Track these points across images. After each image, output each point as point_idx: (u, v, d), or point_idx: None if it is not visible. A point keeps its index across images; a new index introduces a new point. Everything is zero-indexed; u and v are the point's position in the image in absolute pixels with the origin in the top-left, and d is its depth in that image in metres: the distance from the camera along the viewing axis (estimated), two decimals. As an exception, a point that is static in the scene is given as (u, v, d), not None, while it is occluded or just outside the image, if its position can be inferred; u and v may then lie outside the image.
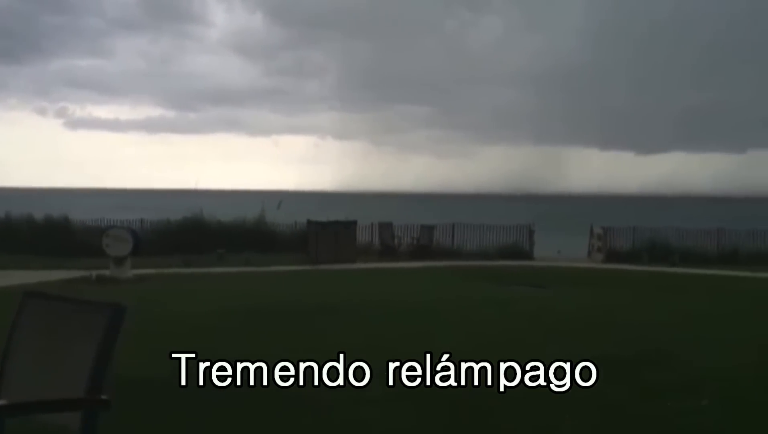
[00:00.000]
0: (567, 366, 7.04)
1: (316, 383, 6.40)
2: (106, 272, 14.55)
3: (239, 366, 7.05)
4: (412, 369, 6.98)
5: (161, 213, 23.90)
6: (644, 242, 21.82)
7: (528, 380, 6.60)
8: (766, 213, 53.77)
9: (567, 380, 6.60)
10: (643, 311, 11.02)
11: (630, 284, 15.33)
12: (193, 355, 7.53)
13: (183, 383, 6.30)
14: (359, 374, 6.78)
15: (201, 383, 6.35)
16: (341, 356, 7.56)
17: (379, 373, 6.77)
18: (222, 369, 6.90)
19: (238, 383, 6.32)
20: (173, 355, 7.43)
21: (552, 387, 6.35)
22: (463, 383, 6.43)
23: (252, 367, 7.01)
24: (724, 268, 18.68)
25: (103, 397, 2.42)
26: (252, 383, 6.35)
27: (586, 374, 6.82)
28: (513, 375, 6.80)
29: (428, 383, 6.44)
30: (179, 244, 20.05)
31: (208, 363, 7.13)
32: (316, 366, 7.10)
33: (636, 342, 8.37)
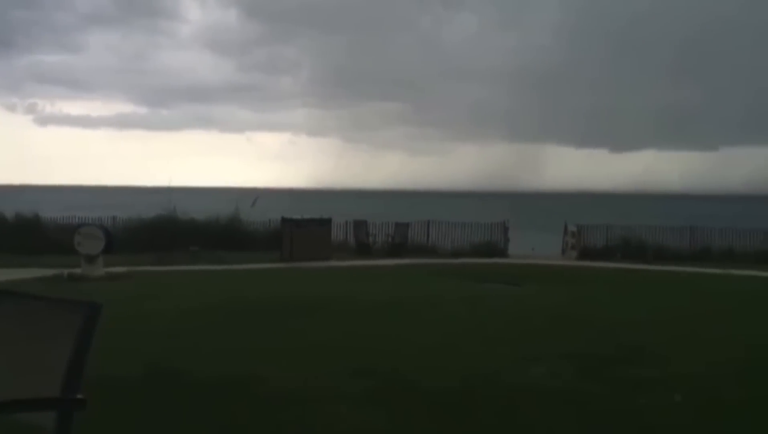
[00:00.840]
0: (541, 363, 7.11)
1: (290, 380, 6.39)
2: (78, 271, 14.35)
3: (214, 363, 7.02)
4: (387, 366, 7.00)
5: (134, 211, 23.61)
6: (618, 239, 22.07)
7: (503, 377, 6.66)
8: (738, 211, 54.76)
9: (542, 377, 6.66)
10: (616, 309, 11.15)
11: (604, 281, 15.49)
12: (167, 353, 7.49)
13: (157, 381, 6.26)
14: (334, 371, 6.78)
15: (175, 381, 6.31)
16: (316, 353, 7.56)
17: (354, 371, 6.77)
18: (196, 367, 6.85)
19: (213, 381, 6.29)
20: (148, 356, 7.38)
21: (527, 384, 6.41)
22: (438, 381, 6.46)
23: (227, 365, 6.98)
24: (697, 265, 18.94)
25: (79, 396, 2.38)
26: (227, 381, 6.32)
27: (560, 371, 6.90)
28: (489, 372, 6.84)
29: (404, 381, 6.46)
30: (152, 242, 19.84)
31: (182, 361, 7.09)
32: (290, 364, 7.09)
33: (610, 339, 8.46)
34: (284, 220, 20.28)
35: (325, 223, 20.38)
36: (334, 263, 18.51)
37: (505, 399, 5.88)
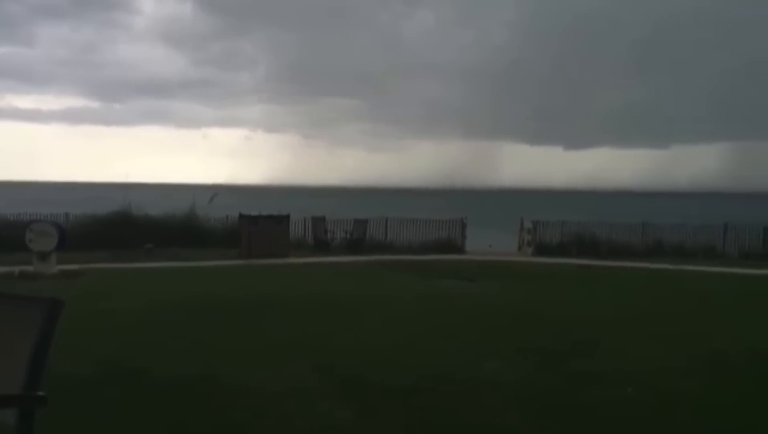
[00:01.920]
0: (498, 359, 7.25)
1: (248, 378, 6.39)
2: (30, 268, 14.03)
3: (170, 361, 6.97)
4: (346, 364, 7.05)
5: (87, 207, 23.16)
6: (573, 235, 22.49)
7: (461, 373, 6.76)
8: (689, 207, 56.30)
9: (499, 372, 6.79)
10: (571, 305, 11.39)
11: (559, 277, 15.80)
12: (122, 352, 7.41)
13: (112, 380, 6.19)
14: (292, 369, 6.80)
15: (129, 379, 6.26)
16: (274, 351, 7.57)
17: (313, 368, 6.80)
18: (151, 365, 6.79)
19: (169, 380, 6.25)
20: (102, 355, 7.29)
21: (484, 379, 6.53)
22: (397, 377, 6.53)
23: (183, 363, 6.93)
24: (650, 261, 19.42)
25: (40, 393, 2.38)
26: (183, 379, 6.29)
27: (516, 366, 7.04)
28: (447, 368, 6.95)
29: (363, 378, 6.51)
30: (107, 239, 19.48)
31: (137, 359, 7.02)
32: (248, 362, 7.08)
33: (564, 335, 8.66)
34: (242, 217, 20.13)
35: (283, 220, 20.30)
36: (292, 260, 18.47)
37: (462, 394, 5.99)
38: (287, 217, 20.55)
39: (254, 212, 20.40)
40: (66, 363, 6.09)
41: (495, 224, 29.36)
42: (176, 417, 5.25)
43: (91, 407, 5.44)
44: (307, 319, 9.51)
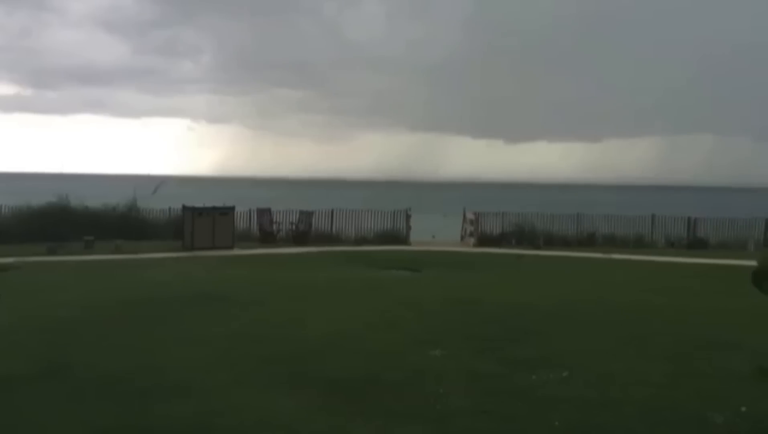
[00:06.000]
0: (440, 346, 7.47)
1: (192, 370, 6.43)
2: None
3: (110, 357, 6.94)
4: (292, 354, 7.16)
5: (22, 198, 22.44)
6: (512, 226, 23.04)
7: (405, 360, 6.95)
8: (620, 198, 58.01)
9: (441, 359, 7.01)
10: (509, 292, 11.72)
11: (498, 267, 16.18)
12: (59, 348, 7.33)
13: (49, 377, 6.14)
14: (238, 360, 6.87)
15: (68, 376, 6.22)
16: (219, 342, 7.61)
17: (259, 359, 6.89)
18: (90, 361, 6.76)
19: (109, 374, 6.24)
20: (38, 351, 7.20)
21: (427, 366, 6.73)
22: (343, 366, 6.67)
23: (125, 358, 6.92)
24: (583, 250, 20.14)
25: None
26: (125, 373, 6.29)
27: (458, 352, 7.27)
28: (391, 356, 7.13)
29: (308, 367, 6.63)
30: (43, 231, 19.00)
31: (75, 355, 6.97)
32: (193, 354, 7.11)
33: (503, 322, 8.95)
34: (186, 208, 19.91)
35: (227, 211, 20.15)
36: (237, 251, 18.38)
37: (406, 382, 6.17)
38: (232, 209, 20.41)
39: (198, 204, 20.19)
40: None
41: (439, 214, 29.74)
42: (115, 412, 5.25)
43: (25, 405, 5.40)
44: (250, 311, 9.54)
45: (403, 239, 22.31)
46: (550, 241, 22.00)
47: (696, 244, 22.11)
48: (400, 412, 5.35)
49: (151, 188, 22.45)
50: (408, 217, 23.12)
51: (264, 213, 22.21)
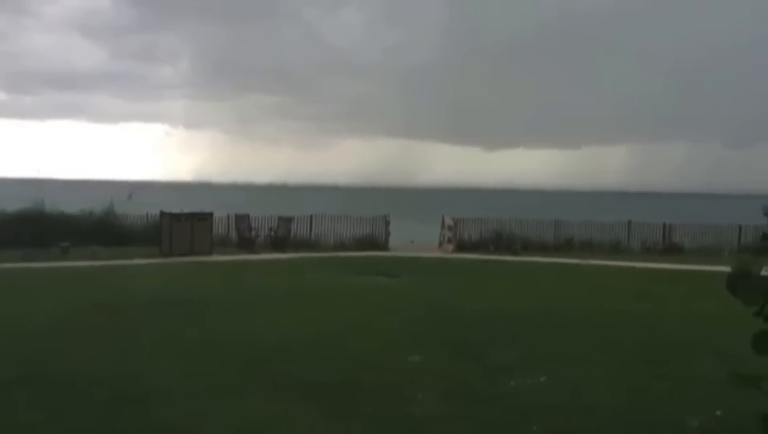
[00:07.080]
0: (419, 351, 7.49)
1: (170, 377, 6.38)
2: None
3: (86, 364, 6.87)
4: (272, 360, 7.13)
5: (-4, 203, 22.11)
6: (490, 232, 23.17)
7: (384, 366, 6.96)
8: (598, 205, 58.51)
9: (420, 364, 7.03)
10: (487, 298, 11.77)
11: (476, 272, 16.25)
12: (35, 355, 7.25)
13: (26, 384, 6.07)
14: (216, 367, 6.83)
15: (45, 383, 6.15)
16: (197, 349, 7.56)
17: (238, 365, 6.85)
18: (67, 368, 6.69)
19: (87, 382, 6.18)
20: (13, 358, 7.11)
21: (407, 371, 6.74)
22: (322, 372, 6.66)
23: (103, 365, 6.86)
24: (561, 256, 20.31)
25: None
26: (103, 380, 6.23)
27: (437, 357, 7.30)
28: (370, 362, 7.13)
29: (289, 374, 6.62)
30: (18, 237, 18.69)
31: (51, 363, 6.89)
32: (170, 361, 7.06)
33: (480, 327, 8.99)
34: (163, 214, 19.74)
35: (205, 217, 20.02)
36: (215, 258, 18.27)
37: (385, 387, 6.18)
38: (210, 215, 20.28)
39: (176, 210, 20.03)
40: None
41: (418, 220, 29.81)
42: (92, 419, 5.20)
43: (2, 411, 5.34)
44: (228, 317, 9.50)
45: (383, 245, 22.32)
46: (528, 247, 22.15)
47: (671, 250, 22.39)
48: (378, 417, 5.36)
49: (128, 194, 22.19)
50: (387, 223, 23.15)
51: (242, 219, 22.09)
